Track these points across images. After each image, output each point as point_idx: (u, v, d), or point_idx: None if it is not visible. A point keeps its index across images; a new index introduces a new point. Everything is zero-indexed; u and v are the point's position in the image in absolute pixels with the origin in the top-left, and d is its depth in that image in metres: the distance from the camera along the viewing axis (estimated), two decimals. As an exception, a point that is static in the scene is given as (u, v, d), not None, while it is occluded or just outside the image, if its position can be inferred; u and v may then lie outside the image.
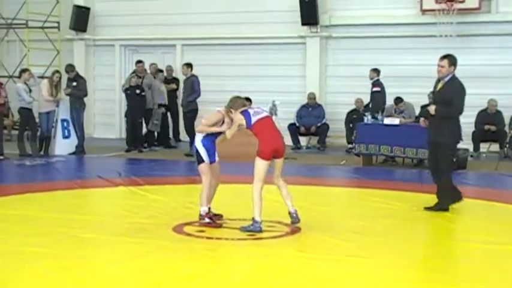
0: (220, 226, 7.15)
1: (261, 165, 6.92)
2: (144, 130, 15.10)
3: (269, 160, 6.98)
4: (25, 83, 13.74)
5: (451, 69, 7.90)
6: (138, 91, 14.63)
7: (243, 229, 6.96)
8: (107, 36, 18.04)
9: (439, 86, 8.04)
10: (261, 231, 6.89)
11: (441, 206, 8.07)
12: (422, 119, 8.49)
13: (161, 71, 16.19)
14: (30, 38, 17.86)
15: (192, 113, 14.12)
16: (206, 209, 7.14)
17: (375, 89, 14.41)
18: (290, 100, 15.61)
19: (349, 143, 14.86)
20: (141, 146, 14.77)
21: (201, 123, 7.28)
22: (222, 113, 7.16)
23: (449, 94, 7.89)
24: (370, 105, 14.26)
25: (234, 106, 7.15)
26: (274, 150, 7.01)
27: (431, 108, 7.96)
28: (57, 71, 14.41)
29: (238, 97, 7.29)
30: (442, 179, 8.11)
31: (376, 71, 14.44)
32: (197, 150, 7.15)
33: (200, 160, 7.15)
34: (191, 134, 13.58)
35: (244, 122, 7.04)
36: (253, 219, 6.92)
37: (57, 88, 14.13)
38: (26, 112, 13.60)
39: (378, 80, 14.41)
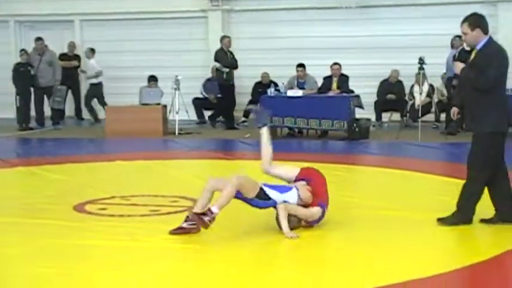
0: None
1: None
2: None
3: None
4: None
5: (476, 33, 5.84)
6: (28, 68, 14.38)
7: None
8: (0, 12, 17.30)
9: (472, 56, 6.05)
10: None
11: (462, 218, 5.93)
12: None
13: None
14: None
15: None
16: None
17: None
18: (194, 75, 15.38)
19: (244, 116, 14.90)
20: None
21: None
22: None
23: (479, 64, 5.85)
24: None
25: None
26: None
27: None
28: None
29: None
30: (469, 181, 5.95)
31: None
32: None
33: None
34: None
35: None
36: None
37: None
38: None
39: None
